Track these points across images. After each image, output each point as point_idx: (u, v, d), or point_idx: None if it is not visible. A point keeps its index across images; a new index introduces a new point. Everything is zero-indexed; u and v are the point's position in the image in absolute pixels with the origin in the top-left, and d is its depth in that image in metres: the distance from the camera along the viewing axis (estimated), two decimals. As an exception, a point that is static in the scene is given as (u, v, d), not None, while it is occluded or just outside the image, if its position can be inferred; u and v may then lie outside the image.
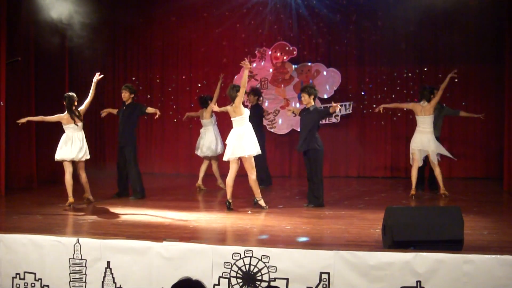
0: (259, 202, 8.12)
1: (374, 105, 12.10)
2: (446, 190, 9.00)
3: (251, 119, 10.45)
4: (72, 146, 8.42)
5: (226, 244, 5.89)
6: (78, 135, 8.48)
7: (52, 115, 11.17)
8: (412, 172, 9.10)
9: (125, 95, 9.30)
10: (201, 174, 10.22)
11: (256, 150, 8.04)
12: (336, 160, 12.39)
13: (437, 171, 9.09)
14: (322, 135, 12.00)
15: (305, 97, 8.37)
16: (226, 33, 12.70)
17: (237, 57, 12.68)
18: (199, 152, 10.24)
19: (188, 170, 12.37)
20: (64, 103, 8.53)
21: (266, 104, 12.41)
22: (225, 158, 8.15)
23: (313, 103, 8.37)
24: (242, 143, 7.94)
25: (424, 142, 9.04)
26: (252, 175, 8.01)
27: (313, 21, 12.27)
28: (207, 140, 10.09)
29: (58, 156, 8.46)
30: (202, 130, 10.32)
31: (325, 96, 12.17)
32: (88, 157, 8.63)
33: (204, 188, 10.13)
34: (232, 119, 8.13)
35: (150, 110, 9.25)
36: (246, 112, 8.13)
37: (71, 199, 8.35)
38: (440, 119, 9.67)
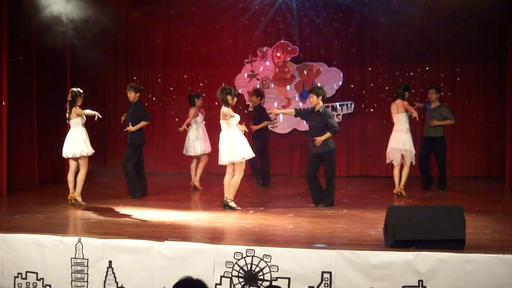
0: (230, 204, 7.98)
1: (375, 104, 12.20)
2: (404, 190, 9.00)
3: (256, 119, 10.47)
4: (68, 143, 8.42)
5: (228, 243, 5.89)
6: (76, 132, 8.40)
7: (53, 114, 11.26)
8: (396, 171, 9.10)
9: (131, 95, 9.22)
10: (199, 172, 10.21)
11: (250, 153, 7.98)
12: (337, 160, 12.29)
13: (406, 170, 8.99)
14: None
15: (313, 97, 8.32)
16: (228, 32, 12.69)
17: (239, 56, 12.73)
18: (191, 152, 10.16)
19: (189, 169, 12.33)
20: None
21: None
22: (221, 163, 8.04)
23: (321, 104, 8.34)
24: (236, 147, 7.87)
25: (399, 141, 8.95)
26: (239, 176, 7.94)
27: (314, 20, 12.25)
28: (194, 140, 10.06)
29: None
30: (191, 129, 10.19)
31: (328, 94, 12.15)
32: (81, 154, 8.30)
33: (199, 188, 10.15)
34: (222, 121, 8.01)
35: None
36: (237, 116, 8.03)
37: (70, 195, 8.43)
38: (439, 118, 9.61)
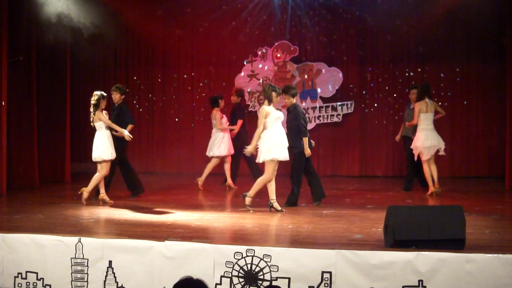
0: (246, 199, 7.94)
1: (376, 104, 12.21)
2: (439, 188, 9.06)
3: (232, 118, 10.42)
4: (93, 147, 8.41)
5: (228, 243, 5.88)
6: (98, 136, 8.38)
7: (54, 114, 11.28)
8: (427, 168, 9.11)
9: (116, 97, 8.98)
10: (228, 173, 10.14)
11: (278, 155, 7.78)
12: (337, 159, 12.39)
13: (434, 168, 9.09)
14: (323, 134, 12.17)
15: (289, 99, 8.17)
16: (228, 32, 12.69)
17: (239, 56, 12.73)
18: (215, 153, 10.10)
19: (189, 169, 12.35)
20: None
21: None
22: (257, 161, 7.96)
23: (293, 102, 8.24)
24: (264, 147, 7.78)
25: (434, 138, 9.03)
26: (265, 176, 7.83)
27: (314, 20, 12.27)
28: (218, 141, 10.06)
29: None
30: (214, 131, 10.18)
31: (328, 94, 12.21)
32: (101, 158, 8.32)
33: (233, 187, 10.01)
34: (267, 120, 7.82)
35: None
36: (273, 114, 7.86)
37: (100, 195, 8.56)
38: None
